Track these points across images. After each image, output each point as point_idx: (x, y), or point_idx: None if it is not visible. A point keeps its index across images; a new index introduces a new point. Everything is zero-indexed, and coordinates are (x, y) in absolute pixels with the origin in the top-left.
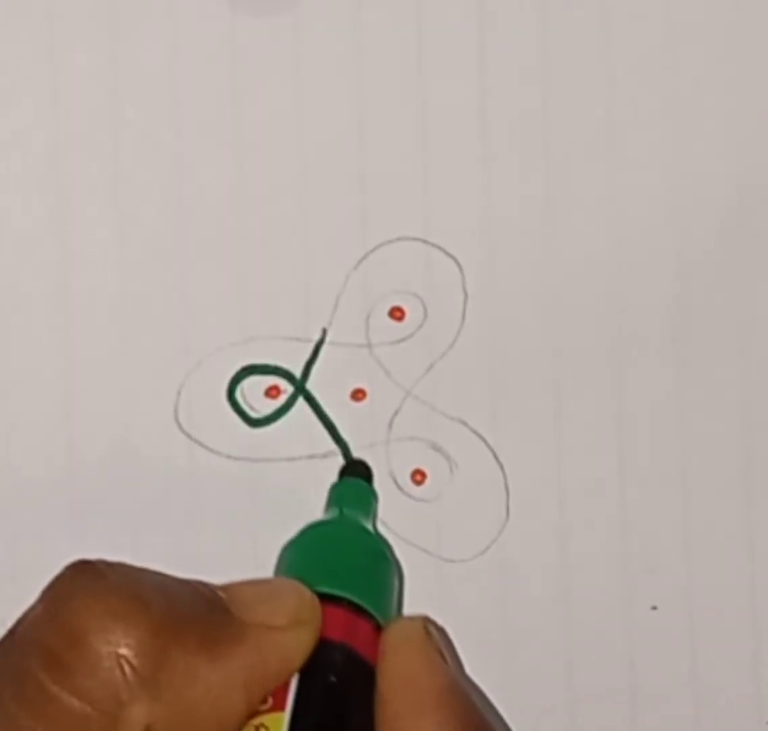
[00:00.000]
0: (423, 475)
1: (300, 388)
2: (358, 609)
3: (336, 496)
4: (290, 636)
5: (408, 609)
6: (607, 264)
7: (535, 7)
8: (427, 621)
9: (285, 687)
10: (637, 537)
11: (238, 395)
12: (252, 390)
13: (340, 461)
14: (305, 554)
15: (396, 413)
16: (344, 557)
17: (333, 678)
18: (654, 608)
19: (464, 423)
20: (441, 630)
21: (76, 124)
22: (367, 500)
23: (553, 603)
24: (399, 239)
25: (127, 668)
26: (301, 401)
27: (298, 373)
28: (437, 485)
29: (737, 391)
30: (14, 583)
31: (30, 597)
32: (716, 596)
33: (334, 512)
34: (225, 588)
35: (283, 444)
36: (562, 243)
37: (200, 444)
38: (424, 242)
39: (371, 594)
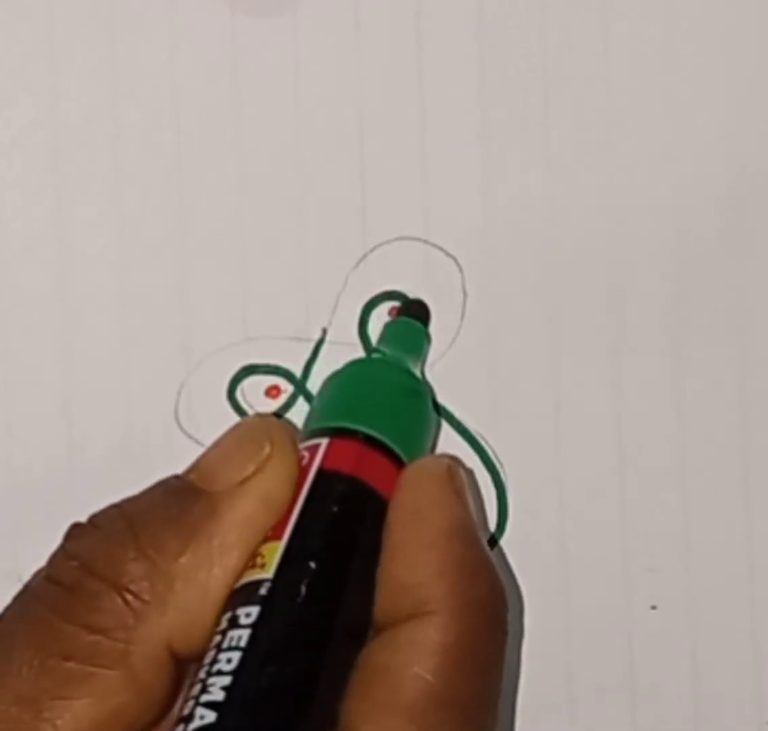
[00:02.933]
0: None
1: (300, 388)
2: (375, 443)
3: (386, 334)
4: (263, 478)
5: None
6: (606, 263)
7: (535, 7)
8: (453, 461)
9: (287, 518)
10: (637, 537)
11: (238, 395)
12: (252, 390)
13: None
14: (333, 389)
15: None
16: (369, 392)
17: (335, 508)
18: (654, 607)
19: (464, 423)
20: (470, 474)
21: (76, 124)
22: (418, 342)
23: (552, 603)
24: (399, 239)
25: (127, 595)
26: (301, 401)
27: (298, 373)
28: None
29: (737, 390)
30: (14, 583)
31: None
32: (716, 595)
33: (379, 350)
34: (194, 465)
35: None
36: (562, 243)
37: (200, 444)
38: (424, 242)
39: (395, 429)
